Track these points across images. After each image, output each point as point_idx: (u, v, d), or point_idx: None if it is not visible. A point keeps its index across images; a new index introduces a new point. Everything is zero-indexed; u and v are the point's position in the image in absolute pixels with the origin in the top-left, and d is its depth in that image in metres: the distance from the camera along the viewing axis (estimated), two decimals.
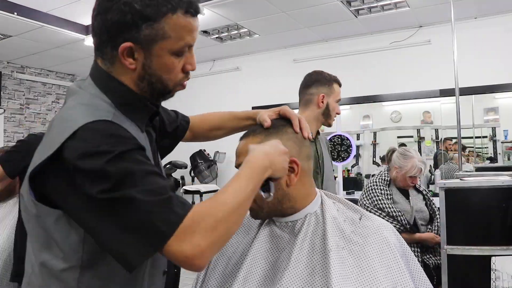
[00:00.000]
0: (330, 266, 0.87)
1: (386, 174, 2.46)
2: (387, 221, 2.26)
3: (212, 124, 1.26)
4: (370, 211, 2.28)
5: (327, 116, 1.87)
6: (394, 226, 2.23)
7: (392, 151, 2.57)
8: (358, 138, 5.44)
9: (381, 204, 2.31)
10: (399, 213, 2.28)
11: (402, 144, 5.02)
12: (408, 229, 2.28)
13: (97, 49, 0.86)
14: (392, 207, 2.31)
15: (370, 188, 2.41)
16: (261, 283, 0.91)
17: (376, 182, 2.42)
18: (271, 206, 0.95)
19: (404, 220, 2.28)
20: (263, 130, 0.99)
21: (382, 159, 5.29)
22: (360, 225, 0.96)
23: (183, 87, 0.89)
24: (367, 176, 5.42)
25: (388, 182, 2.42)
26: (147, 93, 0.86)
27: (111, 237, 0.70)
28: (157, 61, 0.81)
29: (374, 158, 5.48)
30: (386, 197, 2.35)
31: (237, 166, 0.95)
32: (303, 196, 0.99)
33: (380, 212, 2.30)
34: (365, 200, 2.39)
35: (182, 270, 1.13)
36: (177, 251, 0.68)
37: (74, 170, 0.70)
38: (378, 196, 2.35)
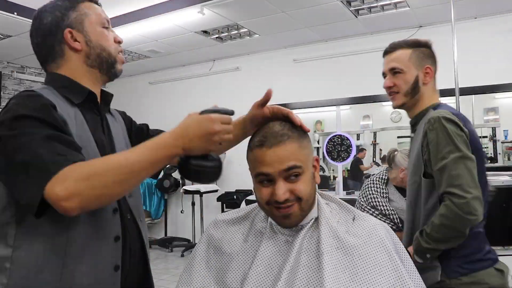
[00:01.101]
0: (323, 269, 0.88)
1: (384, 174, 2.47)
2: (380, 219, 2.26)
3: None
4: (364, 210, 2.30)
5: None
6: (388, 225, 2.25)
7: (393, 152, 2.56)
8: (358, 138, 5.44)
9: (375, 202, 2.34)
10: (392, 212, 2.31)
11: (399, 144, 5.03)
12: (400, 228, 2.29)
13: (47, 57, 1.07)
14: (386, 205, 2.34)
15: (367, 186, 2.44)
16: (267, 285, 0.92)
17: (373, 180, 2.45)
18: (309, 204, 0.95)
19: (397, 219, 2.30)
20: (293, 133, 0.94)
21: (383, 159, 5.29)
22: (354, 225, 0.97)
23: (123, 59, 1.09)
24: (367, 176, 5.42)
25: (385, 181, 2.44)
26: (97, 67, 1.04)
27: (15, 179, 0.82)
28: (93, 34, 1.02)
29: (374, 158, 5.48)
30: (382, 195, 2.37)
31: (283, 170, 0.90)
32: (314, 198, 1.00)
33: (373, 210, 2.32)
34: (361, 199, 2.42)
35: None
36: (51, 191, 0.76)
37: None
38: (373, 194, 2.37)
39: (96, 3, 1.07)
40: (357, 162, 5.45)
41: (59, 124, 0.86)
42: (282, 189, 0.90)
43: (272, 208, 0.93)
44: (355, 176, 5.41)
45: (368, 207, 2.34)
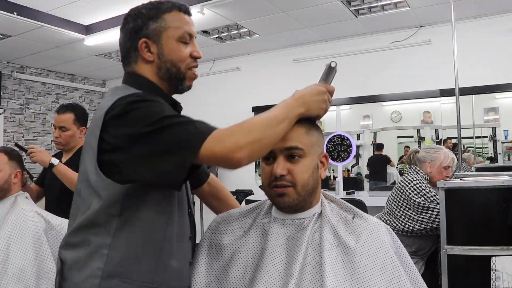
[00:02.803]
0: (324, 264, 0.90)
1: (423, 173, 2.34)
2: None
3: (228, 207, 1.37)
4: (427, 208, 2.16)
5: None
6: None
7: (415, 151, 2.51)
8: (358, 138, 5.43)
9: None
10: None
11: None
12: None
13: (124, 58, 1.08)
14: None
15: (419, 186, 2.25)
16: (279, 279, 0.93)
17: (422, 181, 2.28)
18: (306, 192, 0.98)
19: None
20: (307, 120, 1.01)
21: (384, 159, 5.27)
22: (353, 224, 0.99)
23: (194, 75, 1.08)
24: (367, 176, 5.41)
25: (428, 179, 2.33)
26: (166, 81, 1.05)
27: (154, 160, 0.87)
28: (167, 48, 1.03)
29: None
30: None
31: (284, 149, 0.98)
32: (319, 193, 1.03)
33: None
34: (417, 198, 2.21)
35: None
36: (217, 148, 0.82)
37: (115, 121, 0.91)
38: (432, 192, 2.22)
39: (186, 12, 1.08)
40: (385, 160, 5.22)
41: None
42: (280, 165, 0.97)
43: (271, 189, 0.99)
44: (382, 176, 5.19)
45: (432, 204, 2.17)
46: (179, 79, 1.06)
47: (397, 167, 5.13)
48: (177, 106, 1.11)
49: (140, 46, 1.02)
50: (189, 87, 1.10)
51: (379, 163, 5.24)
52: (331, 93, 1.02)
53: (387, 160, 5.21)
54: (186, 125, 0.86)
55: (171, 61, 1.03)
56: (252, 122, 0.88)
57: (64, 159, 2.31)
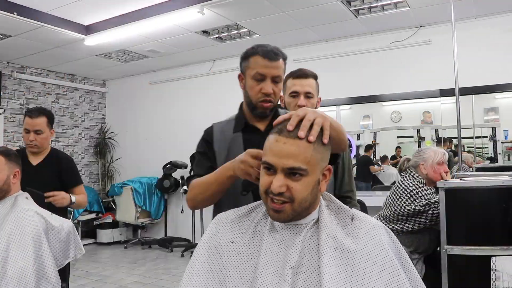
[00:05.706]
0: (322, 269, 0.89)
1: (419, 177, 2.31)
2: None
3: None
4: (425, 212, 2.13)
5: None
6: None
7: (406, 160, 2.48)
8: (358, 138, 5.43)
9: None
10: None
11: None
12: None
13: None
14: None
15: (416, 192, 2.22)
16: (275, 282, 0.92)
17: (418, 185, 2.25)
18: (303, 208, 0.95)
19: None
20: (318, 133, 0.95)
21: (382, 159, 5.28)
22: (352, 226, 0.98)
23: (263, 108, 1.41)
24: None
25: (424, 183, 2.30)
26: (247, 106, 1.45)
27: None
28: (247, 83, 1.42)
29: (374, 158, 5.47)
30: (434, 195, 2.21)
31: (286, 168, 0.91)
32: (318, 201, 1.01)
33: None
34: (416, 206, 2.18)
35: None
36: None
37: None
38: (429, 194, 2.20)
39: (266, 57, 1.36)
40: (368, 162, 5.34)
41: (205, 152, 1.46)
42: (279, 182, 0.91)
43: (268, 198, 0.95)
44: (365, 177, 5.28)
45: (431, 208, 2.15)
46: (252, 107, 1.42)
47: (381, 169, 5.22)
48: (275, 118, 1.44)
49: (239, 77, 1.46)
50: (261, 114, 1.42)
51: (366, 165, 5.38)
52: (256, 157, 1.10)
53: (367, 162, 5.35)
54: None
55: (247, 93, 1.42)
56: (196, 183, 1.34)
57: (35, 161, 2.38)
